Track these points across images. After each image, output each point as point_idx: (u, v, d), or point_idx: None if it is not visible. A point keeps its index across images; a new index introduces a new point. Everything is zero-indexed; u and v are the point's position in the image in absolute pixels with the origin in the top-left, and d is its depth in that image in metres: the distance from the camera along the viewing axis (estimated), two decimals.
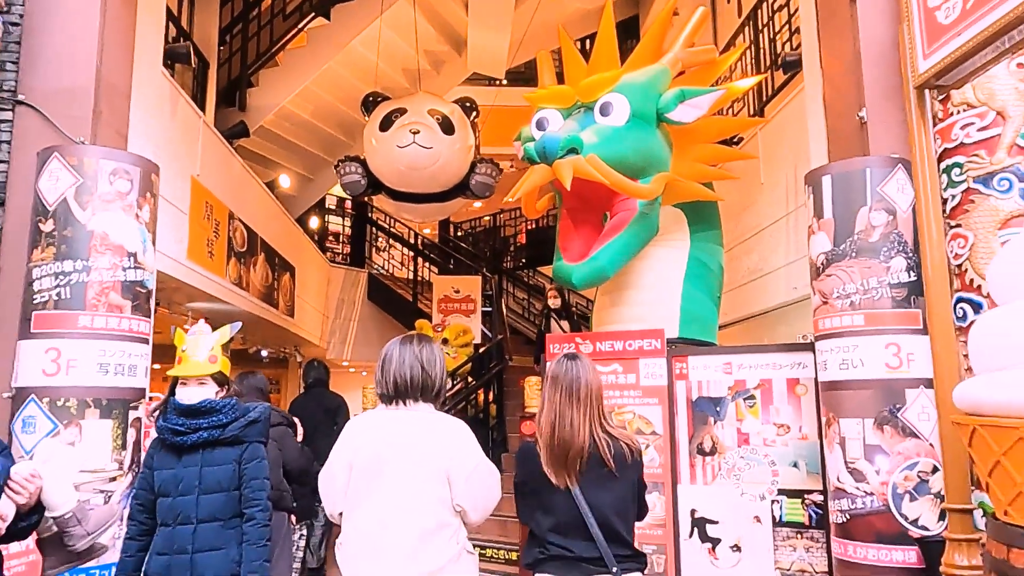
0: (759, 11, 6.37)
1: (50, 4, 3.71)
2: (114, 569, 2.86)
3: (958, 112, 3.56)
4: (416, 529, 2.37)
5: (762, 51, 6.35)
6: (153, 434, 4.34)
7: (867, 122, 3.94)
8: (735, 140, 6.44)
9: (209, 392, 2.83)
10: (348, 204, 13.76)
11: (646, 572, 2.57)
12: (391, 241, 14.41)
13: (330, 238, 13.72)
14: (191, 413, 2.78)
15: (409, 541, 2.35)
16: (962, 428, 2.18)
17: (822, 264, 3.84)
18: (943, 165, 3.65)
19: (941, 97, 3.62)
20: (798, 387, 4.54)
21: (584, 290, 5.19)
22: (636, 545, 2.59)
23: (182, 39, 6.27)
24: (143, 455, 3.56)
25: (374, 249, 14.10)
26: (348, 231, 13.93)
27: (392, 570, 2.34)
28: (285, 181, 9.45)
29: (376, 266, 13.92)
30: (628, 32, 10.24)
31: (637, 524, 2.71)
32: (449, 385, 9.14)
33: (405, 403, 2.51)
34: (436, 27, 8.73)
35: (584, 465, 2.46)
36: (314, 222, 12.33)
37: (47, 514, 2.36)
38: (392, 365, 2.53)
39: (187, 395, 2.81)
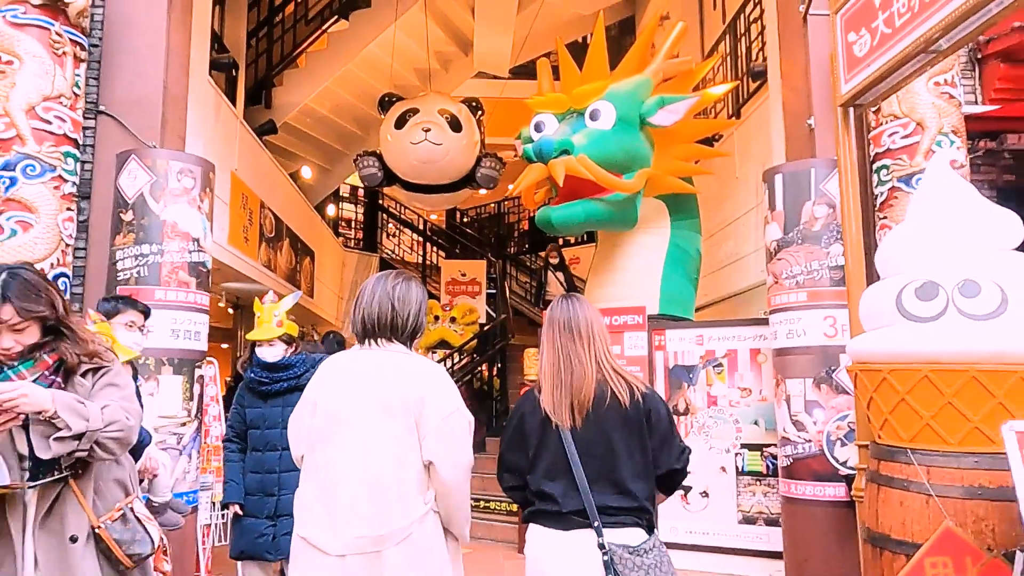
0: (737, 22, 6.96)
1: (124, 27, 4.33)
2: (225, 475, 3.76)
3: (886, 122, 4.20)
4: (378, 483, 2.05)
5: (739, 58, 6.94)
6: (211, 389, 5.05)
7: (815, 128, 4.57)
8: (715, 137, 7.05)
9: (279, 351, 3.54)
10: (361, 192, 14.39)
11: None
12: (401, 227, 15.05)
13: (343, 224, 14.36)
14: (271, 368, 3.51)
15: (368, 496, 2.04)
16: (850, 374, 2.83)
17: (774, 249, 4.48)
18: (875, 166, 4.29)
19: (875, 109, 4.25)
20: (759, 356, 5.20)
21: (561, 232, 5.83)
22: (645, 498, 2.25)
23: (216, 44, 6.88)
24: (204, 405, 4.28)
25: (385, 235, 14.75)
26: (361, 217, 14.57)
27: (347, 528, 2.03)
28: (307, 172, 10.09)
29: (387, 251, 14.58)
30: (624, 31, 10.80)
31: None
32: (457, 359, 9.81)
33: (376, 342, 2.20)
34: (444, 29, 9.31)
35: (589, 404, 2.24)
36: (330, 210, 12.96)
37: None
38: (362, 301, 2.23)
39: (265, 354, 3.53)
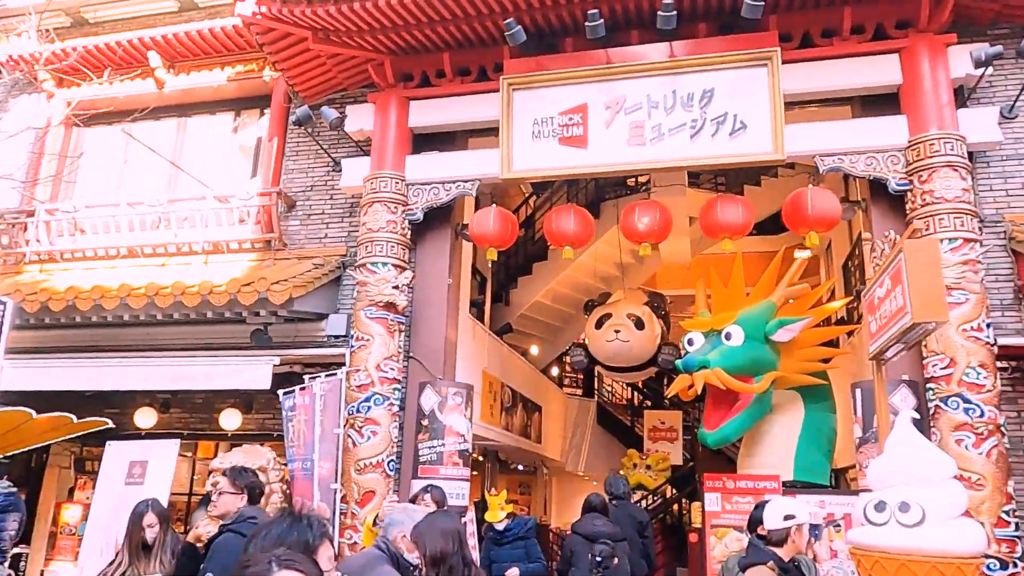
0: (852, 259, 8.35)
1: (422, 306, 6.92)
2: None
3: (930, 356, 5.53)
4: None
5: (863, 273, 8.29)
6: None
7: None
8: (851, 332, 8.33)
9: (505, 522, 5.64)
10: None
11: None
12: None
13: (565, 376, 16.62)
14: (501, 532, 5.61)
15: None
16: (854, 557, 4.31)
17: (857, 443, 5.84)
18: (927, 386, 5.60)
19: (924, 344, 5.60)
20: None
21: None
22: None
23: (475, 275, 9.53)
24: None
25: (599, 382, 16.79)
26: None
27: None
28: (535, 350, 12.55)
29: (603, 394, 16.56)
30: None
31: None
32: (651, 500, 11.35)
33: None
34: None
35: None
36: (554, 370, 15.32)
37: None
38: None
39: (497, 525, 5.65)
